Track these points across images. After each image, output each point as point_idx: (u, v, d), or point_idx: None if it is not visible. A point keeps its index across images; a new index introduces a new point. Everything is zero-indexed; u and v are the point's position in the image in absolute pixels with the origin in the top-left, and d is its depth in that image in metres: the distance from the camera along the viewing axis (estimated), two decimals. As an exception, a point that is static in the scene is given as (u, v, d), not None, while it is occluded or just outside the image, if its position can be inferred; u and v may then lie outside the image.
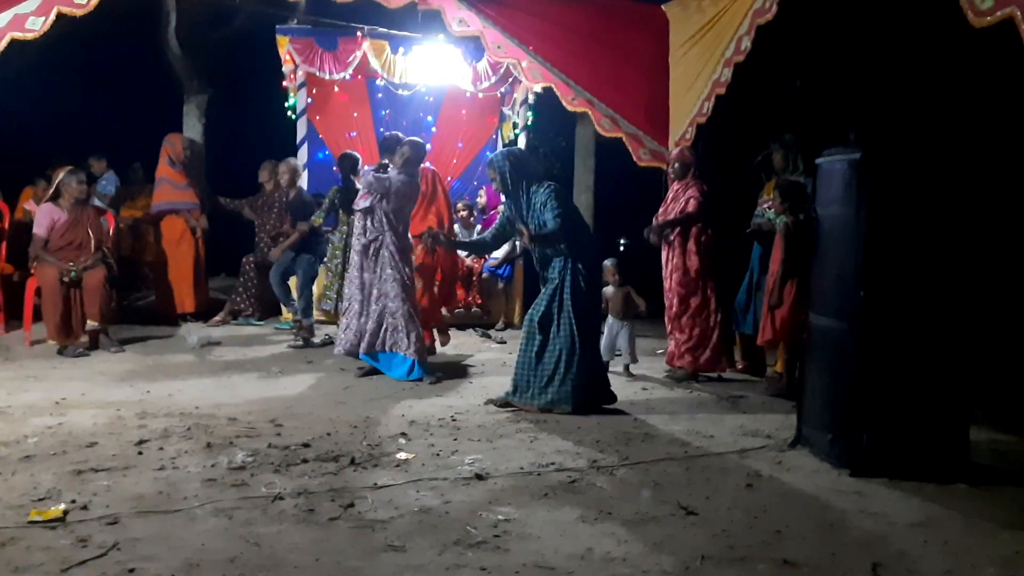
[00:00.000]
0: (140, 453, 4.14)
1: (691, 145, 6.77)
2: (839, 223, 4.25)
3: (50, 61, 8.67)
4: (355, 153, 7.27)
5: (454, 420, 5.00)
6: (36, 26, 5.49)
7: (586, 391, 5.20)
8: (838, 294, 4.26)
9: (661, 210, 6.49)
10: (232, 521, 3.32)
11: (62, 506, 3.34)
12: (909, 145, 4.21)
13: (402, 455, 4.23)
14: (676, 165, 6.40)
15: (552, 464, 4.17)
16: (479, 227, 8.83)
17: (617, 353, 6.34)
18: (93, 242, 6.82)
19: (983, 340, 4.33)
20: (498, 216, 5.71)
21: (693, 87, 6.66)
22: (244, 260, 8.38)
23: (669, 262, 6.35)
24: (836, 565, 3.12)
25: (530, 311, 5.29)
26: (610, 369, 6.32)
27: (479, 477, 3.94)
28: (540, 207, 5.18)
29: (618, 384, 6.15)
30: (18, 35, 5.48)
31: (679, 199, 6.33)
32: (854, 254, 4.13)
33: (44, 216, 6.73)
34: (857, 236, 4.10)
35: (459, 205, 8.70)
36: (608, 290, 6.37)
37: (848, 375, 4.17)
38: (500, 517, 3.44)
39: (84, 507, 3.38)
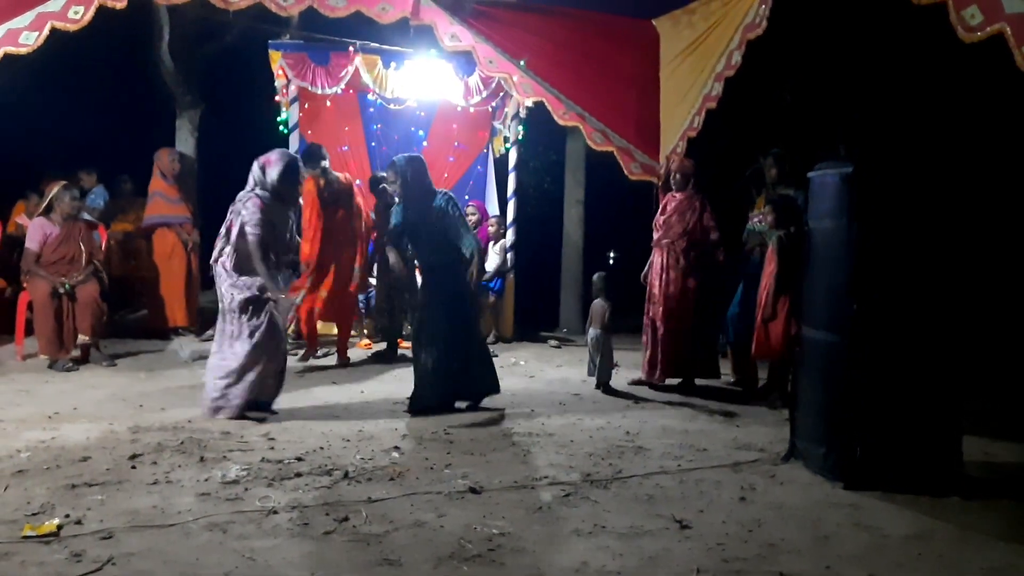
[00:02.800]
0: (134, 467, 4.12)
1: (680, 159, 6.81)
2: (831, 236, 4.28)
3: (43, 76, 8.66)
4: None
5: (447, 434, 4.99)
6: (30, 41, 5.50)
7: None
8: (830, 307, 4.29)
9: (661, 219, 6.53)
10: (226, 535, 3.31)
11: (56, 521, 3.32)
12: (900, 158, 4.26)
13: (396, 469, 4.22)
14: (677, 176, 6.47)
15: (546, 478, 4.18)
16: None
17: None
18: (85, 256, 6.81)
19: (975, 350, 4.34)
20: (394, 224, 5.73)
21: (684, 101, 6.70)
22: None
23: (670, 271, 6.38)
24: (831, 577, 3.13)
25: (437, 320, 5.46)
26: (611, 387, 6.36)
27: (473, 491, 3.93)
28: (440, 214, 5.43)
29: (609, 398, 6.19)
30: (11, 50, 5.48)
31: (683, 213, 6.40)
32: (846, 267, 4.16)
33: (36, 230, 6.73)
34: (849, 249, 4.14)
35: None
36: (597, 303, 6.40)
37: (841, 388, 4.20)
38: (495, 531, 3.44)
39: (78, 522, 3.37)
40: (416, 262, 5.71)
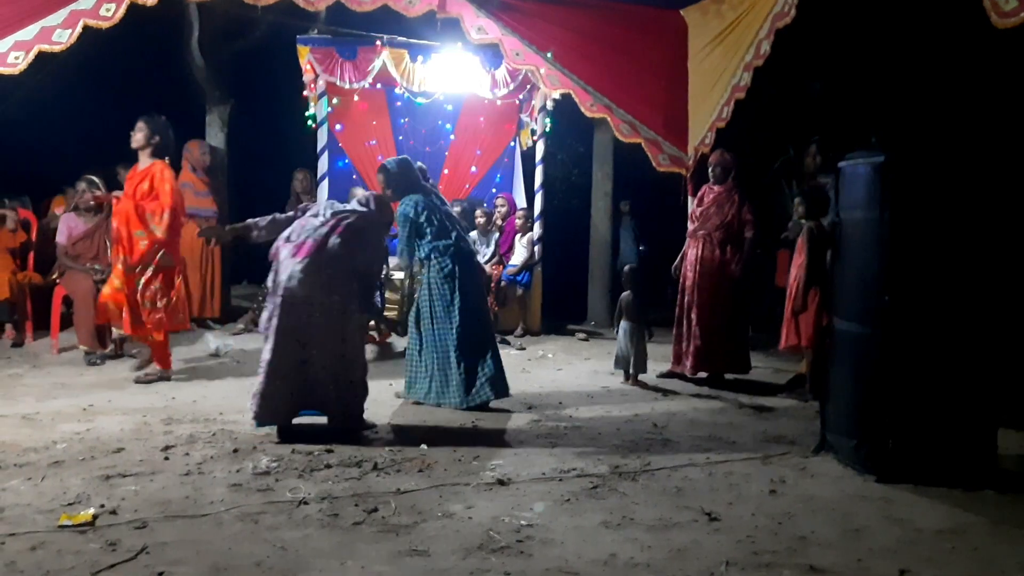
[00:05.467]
0: (167, 458, 4.19)
1: (710, 150, 6.77)
2: (862, 227, 4.23)
3: (78, 73, 8.78)
4: None
5: (475, 426, 5.01)
6: (63, 39, 5.61)
7: None
8: (862, 298, 4.24)
9: (698, 210, 6.50)
10: (258, 525, 3.35)
11: (91, 510, 3.39)
12: (933, 147, 4.19)
13: (425, 460, 4.24)
14: (718, 169, 6.44)
15: (574, 470, 4.18)
16: (497, 235, 8.85)
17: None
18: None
19: (1010, 343, 4.26)
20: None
21: (712, 92, 6.64)
22: None
23: (704, 263, 6.36)
24: (862, 571, 3.10)
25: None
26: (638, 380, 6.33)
27: (501, 483, 3.95)
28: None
29: (637, 391, 6.17)
30: (45, 47, 5.59)
31: (722, 205, 6.37)
32: (878, 258, 4.11)
33: (63, 225, 6.92)
34: (881, 239, 4.09)
35: (477, 212, 8.76)
36: (626, 295, 6.38)
37: (873, 380, 4.15)
38: (523, 522, 3.45)
39: (113, 512, 3.43)
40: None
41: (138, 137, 5.96)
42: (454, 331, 5.35)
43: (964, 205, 4.08)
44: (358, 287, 4.70)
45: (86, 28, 5.63)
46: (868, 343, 4.17)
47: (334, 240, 4.51)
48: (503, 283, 8.54)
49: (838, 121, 7.87)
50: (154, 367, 6.05)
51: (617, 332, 6.39)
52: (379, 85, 8.96)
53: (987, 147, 4.23)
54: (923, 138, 4.34)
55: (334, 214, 4.61)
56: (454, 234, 5.50)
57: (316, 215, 4.64)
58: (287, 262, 4.50)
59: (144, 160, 6.01)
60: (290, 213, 4.91)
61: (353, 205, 4.82)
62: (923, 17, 7.33)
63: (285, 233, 4.63)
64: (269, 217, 4.94)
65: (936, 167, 4.12)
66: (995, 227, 4.10)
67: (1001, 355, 4.17)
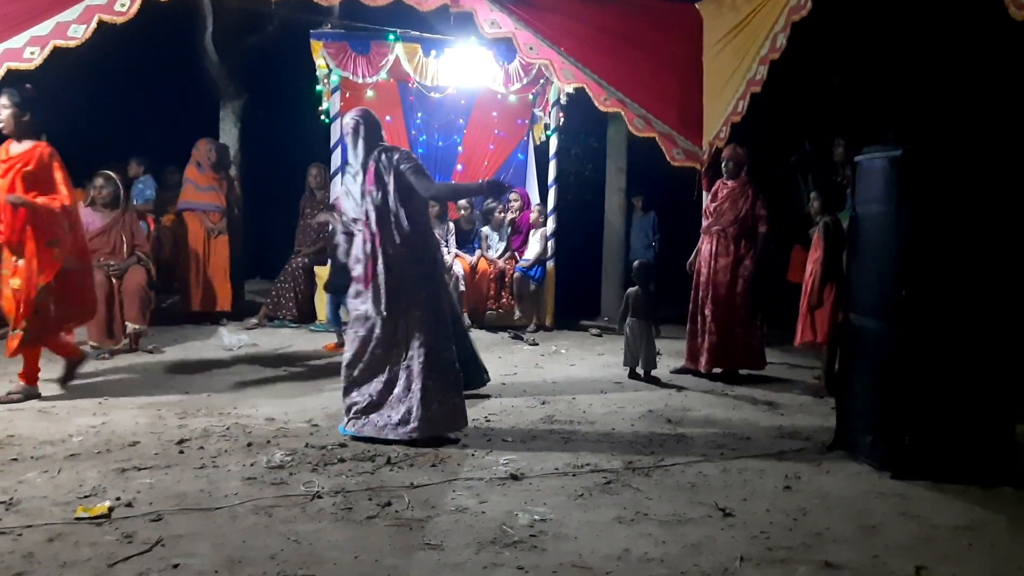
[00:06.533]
0: (181, 452, 4.21)
1: (724, 144, 6.73)
2: (879, 221, 4.20)
3: (91, 68, 8.82)
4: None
5: (488, 421, 5.01)
6: (78, 34, 5.63)
7: None
8: (878, 293, 4.21)
9: (712, 206, 6.47)
10: (272, 519, 3.36)
11: (107, 503, 3.42)
12: (950, 141, 4.16)
13: (438, 455, 4.24)
14: (730, 164, 6.41)
15: (587, 465, 4.17)
16: (509, 230, 8.84)
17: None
18: (127, 247, 6.92)
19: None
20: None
21: (727, 86, 6.59)
22: (294, 261, 8.46)
23: (719, 258, 6.33)
24: (878, 568, 3.08)
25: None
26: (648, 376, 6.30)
27: (514, 477, 3.94)
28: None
29: (651, 387, 6.15)
30: (61, 43, 5.61)
31: (736, 201, 6.34)
32: (894, 252, 4.08)
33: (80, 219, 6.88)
34: (898, 234, 4.06)
35: (497, 208, 8.77)
36: (633, 291, 6.34)
37: (889, 376, 4.12)
38: (536, 517, 3.45)
39: (128, 504, 3.46)
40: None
41: (4, 116, 5.10)
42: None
43: (981, 199, 4.05)
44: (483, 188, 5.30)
45: (101, 23, 5.65)
46: (884, 338, 4.14)
47: (380, 259, 4.47)
48: (516, 276, 8.52)
49: (855, 115, 7.82)
50: (21, 384, 5.25)
51: (623, 329, 6.36)
52: (392, 80, 8.96)
53: (1004, 141, 4.19)
54: (940, 132, 4.32)
55: (358, 209, 4.57)
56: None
57: (352, 223, 4.63)
58: (357, 292, 4.57)
59: (22, 142, 5.17)
60: (343, 233, 4.74)
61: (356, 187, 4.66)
62: (940, 11, 7.26)
63: (342, 251, 4.73)
64: (343, 249, 4.76)
65: (953, 161, 4.08)
66: (1012, 222, 4.06)
67: (1018, 351, 4.13)
